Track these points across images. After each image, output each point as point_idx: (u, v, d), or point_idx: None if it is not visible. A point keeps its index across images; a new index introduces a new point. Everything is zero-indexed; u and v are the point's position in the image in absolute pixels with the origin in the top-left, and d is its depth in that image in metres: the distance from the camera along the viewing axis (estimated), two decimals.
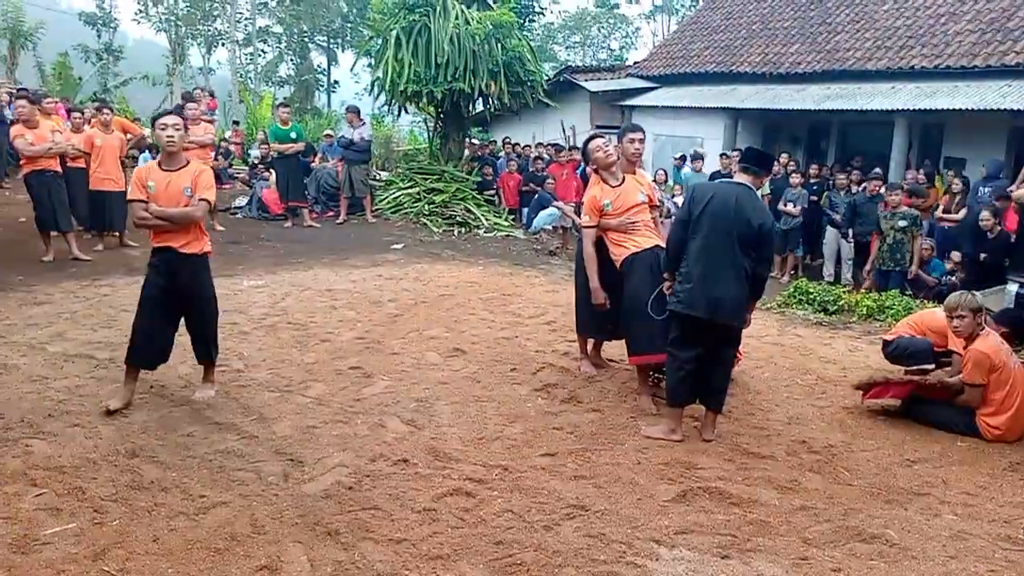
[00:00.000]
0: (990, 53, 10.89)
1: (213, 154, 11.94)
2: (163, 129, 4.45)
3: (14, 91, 12.40)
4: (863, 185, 10.31)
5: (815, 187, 11.30)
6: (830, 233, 10.52)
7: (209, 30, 32.60)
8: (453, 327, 6.61)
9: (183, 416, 4.48)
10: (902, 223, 8.78)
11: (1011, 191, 8.24)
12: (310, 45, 34.72)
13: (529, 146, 15.15)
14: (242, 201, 12.64)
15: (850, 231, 9.88)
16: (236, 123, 18.96)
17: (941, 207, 9.59)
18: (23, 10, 25.81)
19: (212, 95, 16.62)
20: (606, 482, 3.85)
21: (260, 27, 34.41)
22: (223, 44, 32.54)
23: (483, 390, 5.11)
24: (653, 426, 4.54)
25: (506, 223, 12.60)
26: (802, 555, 3.24)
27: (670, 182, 12.61)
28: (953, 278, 8.56)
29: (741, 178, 4.40)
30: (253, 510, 3.42)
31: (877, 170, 10.51)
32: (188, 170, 4.55)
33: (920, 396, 4.89)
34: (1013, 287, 7.03)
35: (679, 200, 12.03)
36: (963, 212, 9.37)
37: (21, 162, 8.85)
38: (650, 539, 3.31)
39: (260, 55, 34.92)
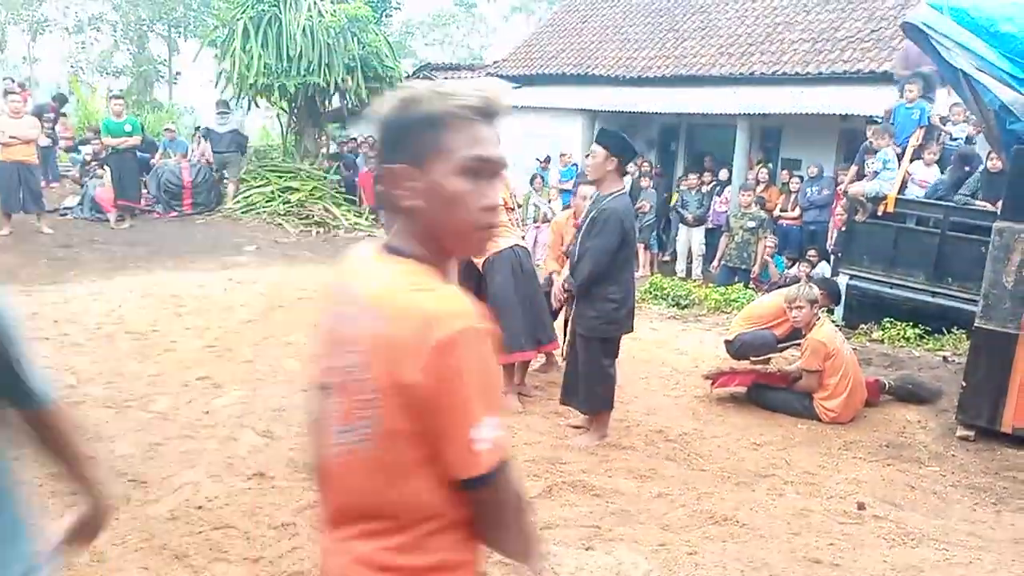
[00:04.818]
0: (821, 61, 11.75)
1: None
2: None
3: None
4: (712, 184, 10.88)
5: (665, 186, 11.79)
6: (682, 230, 11.00)
7: (34, 15, 29.79)
8: (314, 331, 6.35)
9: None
10: (751, 224, 9.30)
11: (844, 189, 8.83)
12: (149, 34, 32.43)
13: None
14: (73, 201, 11.64)
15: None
16: (63, 115, 17.11)
17: (779, 206, 10.23)
18: None
19: (22, 87, 14.96)
20: None
21: (93, 14, 31.78)
22: (50, 31, 29.79)
23: None
24: (583, 437, 4.50)
25: (367, 223, 12.34)
26: (660, 541, 3.34)
27: (546, 187, 12.60)
28: (794, 271, 9.16)
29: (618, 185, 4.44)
30: None
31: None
32: None
33: (763, 383, 5.22)
34: (843, 278, 7.63)
35: (555, 206, 11.89)
36: (798, 211, 10.02)
37: None
38: None
39: (93, 43, 32.29)
